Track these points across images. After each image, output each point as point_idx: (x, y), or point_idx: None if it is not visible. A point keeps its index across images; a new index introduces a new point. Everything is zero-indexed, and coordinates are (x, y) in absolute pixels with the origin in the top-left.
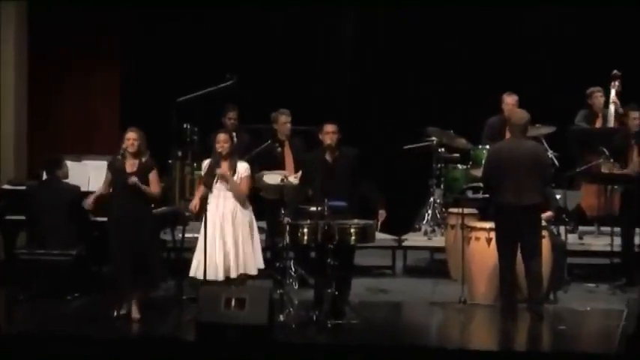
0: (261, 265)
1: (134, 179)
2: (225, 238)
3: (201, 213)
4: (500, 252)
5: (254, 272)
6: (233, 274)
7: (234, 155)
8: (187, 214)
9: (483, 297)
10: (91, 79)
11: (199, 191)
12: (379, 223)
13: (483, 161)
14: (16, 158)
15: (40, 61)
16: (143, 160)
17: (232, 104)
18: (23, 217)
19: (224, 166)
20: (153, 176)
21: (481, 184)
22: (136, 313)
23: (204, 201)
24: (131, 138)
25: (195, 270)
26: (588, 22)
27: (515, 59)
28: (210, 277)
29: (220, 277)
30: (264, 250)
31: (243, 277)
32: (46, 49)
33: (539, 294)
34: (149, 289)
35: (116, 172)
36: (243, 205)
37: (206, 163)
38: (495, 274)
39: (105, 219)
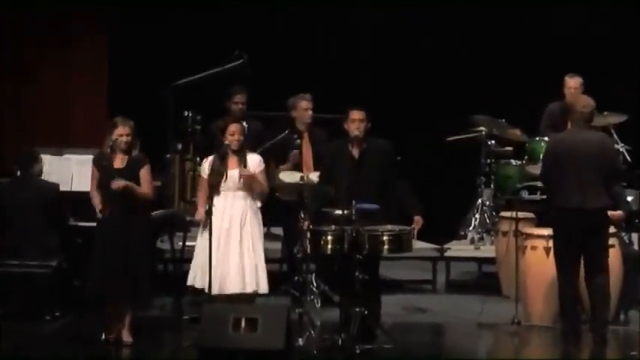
0: (264, 290)
1: (120, 183)
2: (234, 246)
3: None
4: (561, 265)
5: (262, 290)
6: (242, 289)
7: (245, 149)
8: (188, 218)
9: (541, 317)
10: (72, 56)
11: (203, 194)
12: (416, 231)
13: (541, 156)
14: None
15: (7, 37)
16: (133, 154)
17: (240, 86)
18: None
19: (232, 162)
20: (144, 173)
21: (539, 184)
22: (127, 337)
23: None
24: (123, 133)
25: (193, 279)
26: None
27: (578, 35)
28: (214, 291)
29: (227, 290)
30: (280, 261)
31: (254, 294)
32: (13, 20)
33: (604, 314)
34: (141, 308)
35: (104, 169)
36: (256, 204)
37: (208, 161)
38: (555, 290)
39: (89, 224)
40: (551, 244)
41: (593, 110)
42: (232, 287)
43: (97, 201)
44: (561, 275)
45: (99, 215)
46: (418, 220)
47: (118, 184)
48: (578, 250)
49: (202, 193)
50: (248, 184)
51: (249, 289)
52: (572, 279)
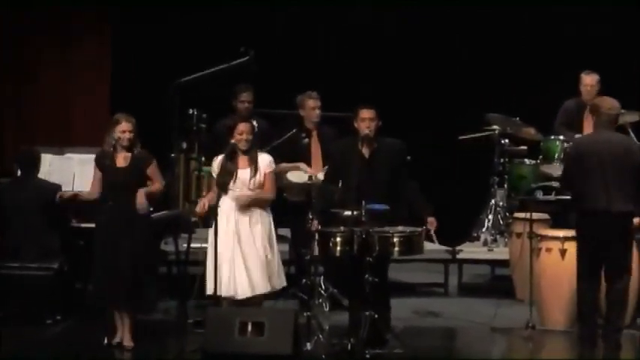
0: (284, 283)
1: (143, 204)
2: (242, 248)
3: (210, 218)
4: (583, 270)
5: (278, 287)
6: (249, 292)
7: (254, 147)
8: (193, 219)
9: (556, 322)
10: (73, 54)
11: (210, 193)
12: (433, 232)
13: (556, 155)
14: None
15: (7, 31)
16: (135, 151)
17: (246, 84)
18: None
19: (242, 161)
20: (152, 170)
21: (554, 184)
22: (128, 341)
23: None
24: (126, 130)
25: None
26: None
27: (595, 32)
28: (224, 293)
29: (235, 294)
30: (287, 263)
31: (262, 297)
32: (13, 19)
33: (619, 320)
34: (144, 311)
35: (106, 169)
36: (264, 207)
37: (218, 161)
38: (571, 294)
39: (91, 225)
40: (566, 246)
41: (619, 113)
42: (245, 291)
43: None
44: (583, 280)
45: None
46: (432, 221)
47: (142, 206)
48: (602, 255)
49: (212, 193)
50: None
51: (262, 290)
52: (594, 285)
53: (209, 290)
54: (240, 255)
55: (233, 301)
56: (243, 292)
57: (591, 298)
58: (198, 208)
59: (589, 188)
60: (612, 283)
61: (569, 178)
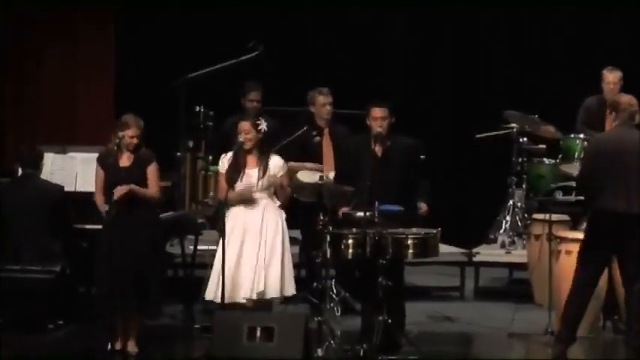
0: (294, 291)
1: (123, 189)
2: (251, 249)
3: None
4: (585, 265)
5: (290, 293)
6: (258, 296)
7: (263, 147)
8: (200, 220)
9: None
10: (77, 49)
11: (221, 189)
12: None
13: (576, 154)
14: None
15: (10, 27)
16: (139, 151)
17: (254, 82)
18: None
19: (252, 161)
20: (151, 171)
21: (573, 184)
22: (132, 347)
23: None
24: (134, 135)
25: (214, 292)
26: None
27: (615, 27)
28: (230, 298)
29: (243, 298)
30: (297, 266)
31: (271, 301)
32: (15, 12)
33: None
34: (150, 316)
35: (109, 168)
36: (275, 208)
37: (227, 157)
38: (594, 298)
39: (95, 226)
40: None
41: (638, 109)
42: (249, 294)
43: (100, 201)
44: (581, 274)
45: (105, 216)
46: (423, 206)
47: (121, 190)
48: (610, 255)
49: (220, 188)
50: (272, 186)
51: (270, 295)
52: (591, 281)
53: (208, 295)
54: (251, 255)
55: (242, 305)
56: (250, 293)
57: (580, 303)
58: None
59: (607, 188)
60: (631, 287)
61: (586, 177)
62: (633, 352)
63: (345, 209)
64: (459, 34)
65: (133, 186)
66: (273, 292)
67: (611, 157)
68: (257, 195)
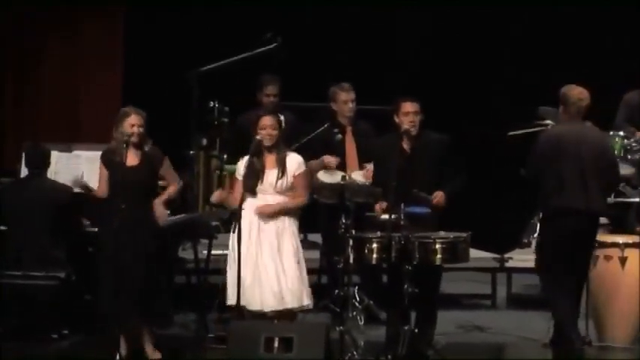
0: (311, 305)
1: (163, 215)
2: (267, 256)
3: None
4: (554, 268)
5: (306, 303)
6: (277, 305)
7: (282, 145)
8: (214, 223)
9: (615, 337)
10: (82, 38)
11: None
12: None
13: (616, 153)
14: None
15: (13, 17)
16: (146, 149)
17: (272, 76)
18: None
19: (269, 161)
20: (166, 169)
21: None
22: (154, 353)
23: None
24: (136, 124)
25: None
26: None
27: None
28: (248, 306)
29: (261, 306)
30: (318, 273)
31: (293, 312)
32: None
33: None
34: (160, 325)
35: (115, 167)
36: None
37: (243, 162)
38: (632, 306)
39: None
40: (627, 253)
41: (589, 103)
42: (271, 304)
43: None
44: (557, 285)
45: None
46: (438, 193)
47: (162, 215)
48: (572, 255)
49: (235, 195)
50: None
51: (291, 305)
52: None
53: (230, 300)
54: (268, 263)
55: (260, 315)
56: (270, 304)
57: (567, 310)
58: (214, 198)
59: (565, 185)
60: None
61: (540, 173)
62: None
63: (383, 203)
64: (491, 28)
65: (162, 205)
66: (295, 302)
67: (570, 153)
68: (275, 198)
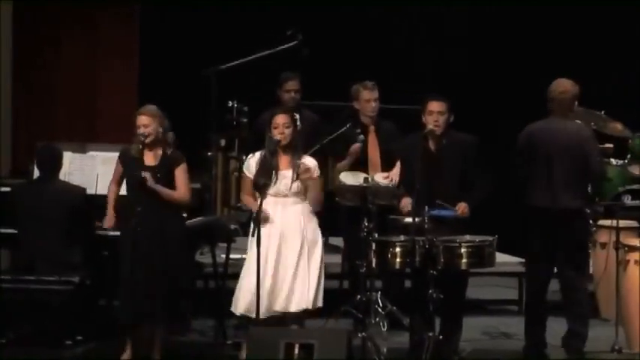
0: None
1: (146, 173)
2: (287, 260)
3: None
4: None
5: (320, 304)
6: (295, 308)
7: (298, 146)
8: (233, 226)
9: None
10: (98, 36)
11: (248, 198)
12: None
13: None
14: None
15: (27, 13)
16: (168, 151)
17: (292, 72)
18: (7, 230)
19: (284, 161)
20: (179, 172)
21: None
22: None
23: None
24: (141, 124)
25: (249, 306)
26: None
27: None
28: (264, 314)
29: (278, 310)
30: (340, 277)
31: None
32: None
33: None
34: (177, 331)
35: (131, 166)
36: (311, 213)
37: (255, 158)
38: None
39: (117, 233)
40: None
41: (574, 96)
42: (287, 308)
43: (111, 197)
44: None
45: (105, 224)
46: (461, 205)
47: (145, 174)
48: (549, 253)
49: (247, 195)
50: (304, 186)
51: (304, 306)
52: (538, 290)
53: (239, 309)
54: (288, 265)
55: (278, 317)
56: (282, 305)
57: (537, 304)
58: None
59: (537, 182)
60: (571, 290)
61: (518, 168)
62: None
63: (409, 199)
64: (520, 27)
65: (158, 187)
66: (308, 304)
67: (538, 150)
68: (290, 199)
